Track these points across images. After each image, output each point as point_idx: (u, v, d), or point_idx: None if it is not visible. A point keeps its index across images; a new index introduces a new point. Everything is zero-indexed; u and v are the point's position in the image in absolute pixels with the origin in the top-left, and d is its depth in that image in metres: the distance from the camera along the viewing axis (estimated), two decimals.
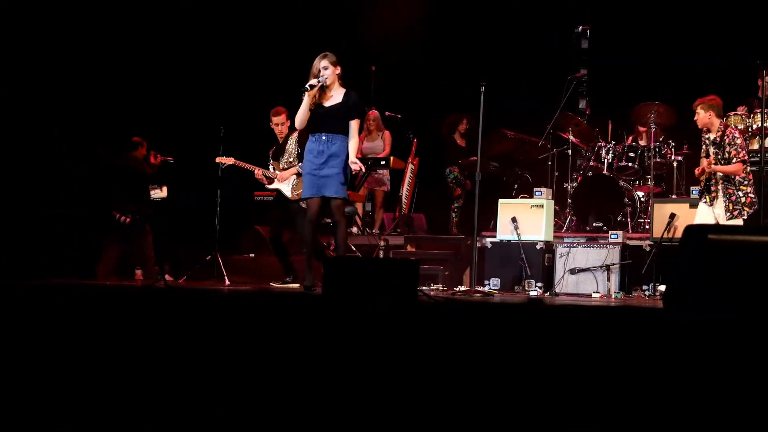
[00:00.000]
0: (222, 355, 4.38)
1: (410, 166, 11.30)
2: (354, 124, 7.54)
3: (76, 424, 4.15)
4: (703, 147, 8.39)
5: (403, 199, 11.34)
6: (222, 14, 11.91)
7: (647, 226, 9.53)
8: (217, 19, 11.89)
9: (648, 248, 8.95)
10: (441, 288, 9.23)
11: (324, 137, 7.45)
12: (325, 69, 7.41)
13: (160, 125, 11.31)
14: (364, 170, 7.85)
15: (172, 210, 11.02)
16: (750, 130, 9.37)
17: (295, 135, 8.93)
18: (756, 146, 8.98)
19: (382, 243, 10.42)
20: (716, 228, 4.98)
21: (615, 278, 9.01)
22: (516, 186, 11.09)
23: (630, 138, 10.52)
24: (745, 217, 8.12)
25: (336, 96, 7.52)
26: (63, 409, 4.22)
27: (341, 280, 5.48)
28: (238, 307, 4.90)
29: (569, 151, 10.60)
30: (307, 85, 7.39)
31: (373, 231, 10.80)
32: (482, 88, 8.36)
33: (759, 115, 9.01)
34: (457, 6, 12.45)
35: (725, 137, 8.16)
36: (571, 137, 10.58)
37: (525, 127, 11.32)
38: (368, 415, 3.87)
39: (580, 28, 12.14)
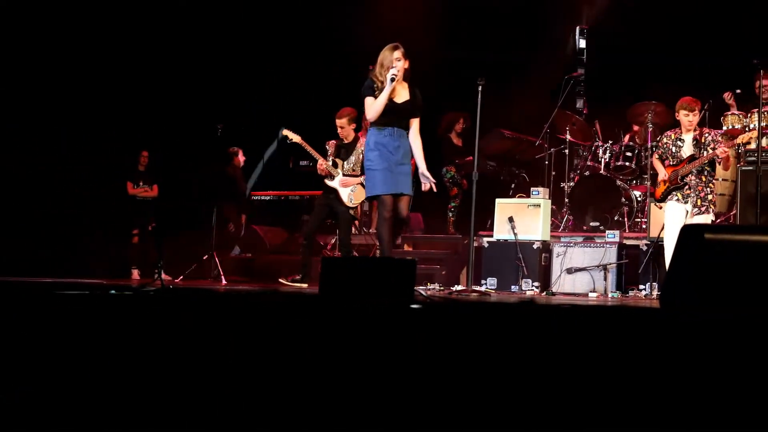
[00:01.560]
0: (219, 355, 4.37)
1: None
2: (417, 123, 7.16)
3: (71, 424, 4.14)
4: (673, 149, 8.31)
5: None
6: (221, 13, 11.90)
7: (644, 226, 9.54)
8: (217, 18, 11.88)
9: (645, 248, 8.95)
10: (438, 287, 9.24)
11: (396, 131, 7.01)
12: (398, 61, 7.00)
13: (156, 124, 11.32)
14: (435, 189, 7.35)
15: (167, 210, 11.03)
16: (747, 129, 9.38)
17: (363, 140, 8.44)
18: (753, 146, 8.98)
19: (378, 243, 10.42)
20: (713, 227, 4.99)
21: (612, 278, 9.02)
22: (513, 185, 11.09)
23: (627, 137, 10.52)
24: (712, 212, 8.20)
25: (403, 91, 7.14)
26: (58, 410, 4.21)
27: (338, 280, 5.47)
28: (235, 306, 4.89)
29: (566, 151, 10.60)
30: (391, 75, 6.92)
31: (370, 230, 10.80)
32: (479, 87, 8.35)
33: (755, 115, 9.02)
34: (454, 5, 12.45)
35: (705, 136, 8.17)
36: (568, 137, 10.59)
37: (522, 127, 11.33)
38: (364, 415, 3.87)
39: (578, 27, 12.15)
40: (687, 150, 8.22)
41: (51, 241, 10.06)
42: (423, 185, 7.28)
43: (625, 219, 9.81)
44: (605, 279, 9.02)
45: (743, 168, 8.88)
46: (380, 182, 7.00)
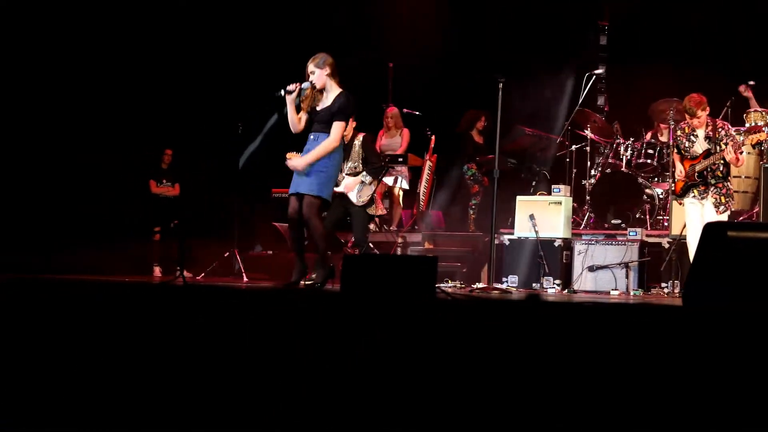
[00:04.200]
0: (240, 352, 4.39)
1: (428, 163, 11.29)
2: (336, 126, 7.25)
3: (93, 420, 4.17)
4: (687, 144, 8.27)
5: (421, 196, 11.33)
6: (243, 11, 11.93)
7: (666, 223, 9.49)
8: (236, 16, 11.91)
9: (667, 245, 8.91)
10: (459, 285, 9.23)
11: (312, 136, 7.26)
12: (312, 73, 7.21)
13: (177, 122, 11.36)
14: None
15: (189, 207, 11.08)
16: None
17: (360, 137, 8.74)
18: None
19: (399, 240, 10.42)
20: (735, 225, 4.96)
21: (634, 275, 8.98)
22: (534, 183, 11.05)
23: (649, 134, 10.47)
24: (731, 210, 8.18)
25: (328, 99, 7.30)
26: (82, 406, 4.24)
27: (359, 278, 5.49)
28: (257, 303, 4.91)
29: (587, 148, 10.56)
30: (281, 91, 7.24)
31: (391, 228, 10.80)
32: (500, 85, 8.35)
33: None
34: (475, 2, 12.43)
35: (719, 130, 8.10)
36: (589, 134, 10.55)
37: (543, 124, 11.30)
38: (385, 412, 3.88)
39: (599, 24, 12.10)
40: (700, 146, 8.16)
41: (74, 240, 10.11)
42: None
43: (647, 216, 9.76)
44: (627, 277, 8.98)
45: (766, 165, 8.83)
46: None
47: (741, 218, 9.30)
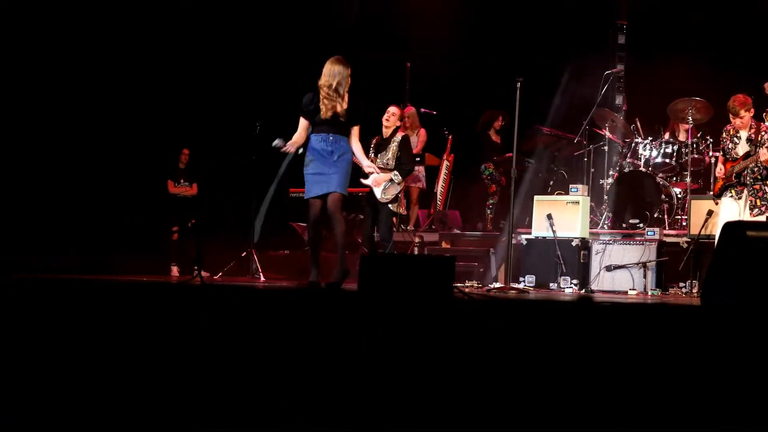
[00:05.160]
0: (258, 351, 4.40)
1: (445, 163, 11.28)
2: (358, 130, 7.54)
3: (111, 417, 4.18)
4: (730, 146, 8.28)
5: (438, 196, 11.32)
6: (258, 10, 11.95)
7: (684, 223, 9.46)
8: (254, 14, 11.93)
9: (685, 245, 8.88)
10: (476, 285, 9.22)
11: (331, 138, 7.37)
12: (339, 85, 7.33)
13: (194, 121, 11.40)
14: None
15: (206, 207, 11.11)
16: None
17: (399, 135, 8.73)
18: None
19: (417, 240, 10.42)
20: (755, 225, 4.93)
21: (651, 275, 8.95)
22: (552, 182, 11.03)
23: (667, 134, 10.43)
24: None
25: (343, 103, 7.46)
26: (95, 404, 4.26)
27: (377, 277, 5.49)
28: (275, 303, 4.93)
29: (605, 148, 10.52)
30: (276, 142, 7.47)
31: (408, 228, 10.80)
32: (518, 84, 8.34)
33: None
34: (493, 1, 12.41)
35: (762, 134, 8.10)
36: (607, 133, 10.51)
37: (561, 124, 11.27)
38: (402, 411, 3.88)
39: (617, 23, 12.04)
40: (742, 147, 8.19)
41: (93, 239, 10.17)
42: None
43: (665, 216, 9.73)
44: (645, 277, 8.95)
45: None
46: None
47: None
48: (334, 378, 4.06)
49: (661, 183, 9.82)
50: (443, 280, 5.38)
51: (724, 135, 8.41)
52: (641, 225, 9.65)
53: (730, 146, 8.30)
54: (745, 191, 8.12)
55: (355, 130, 7.46)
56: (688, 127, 9.90)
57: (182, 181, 11.19)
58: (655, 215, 9.75)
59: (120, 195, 10.98)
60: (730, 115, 8.21)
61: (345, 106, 7.35)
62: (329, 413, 3.98)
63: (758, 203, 8.06)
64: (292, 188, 10.60)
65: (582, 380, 3.61)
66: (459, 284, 8.62)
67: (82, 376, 4.32)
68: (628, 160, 10.23)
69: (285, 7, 12.14)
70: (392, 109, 8.78)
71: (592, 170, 10.67)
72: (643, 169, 9.96)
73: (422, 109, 11.50)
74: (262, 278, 9.47)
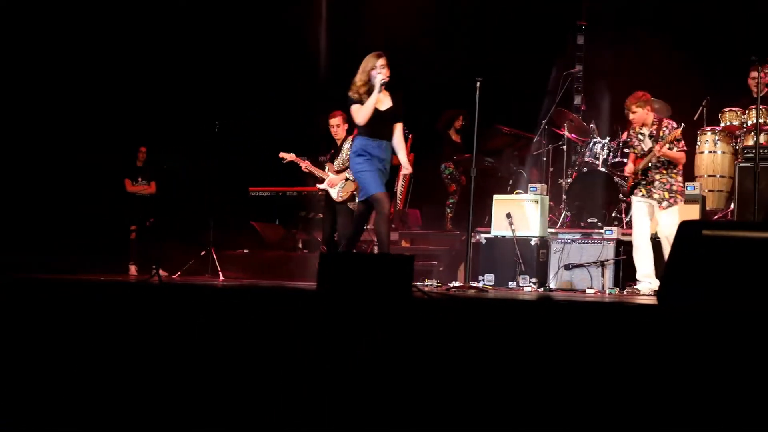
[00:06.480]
0: (216, 351, 4.37)
1: None
2: (401, 127, 7.46)
3: (64, 421, 4.14)
4: (636, 143, 8.49)
5: (398, 195, 11.33)
6: (217, 10, 11.89)
7: None
8: (210, 15, 11.86)
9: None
10: (436, 284, 9.23)
11: (385, 144, 7.30)
12: (383, 68, 7.28)
13: (153, 121, 11.32)
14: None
15: (165, 206, 11.04)
16: (744, 126, 9.39)
17: (350, 139, 8.83)
18: (751, 142, 8.99)
19: (375, 238, 10.41)
20: (710, 224, 4.98)
21: (609, 274, 9.02)
22: (511, 182, 11.08)
23: (625, 134, 10.51)
24: (680, 204, 8.31)
25: (385, 99, 7.39)
26: (50, 406, 4.21)
27: (335, 276, 5.47)
28: (233, 302, 4.89)
29: (564, 147, 10.59)
30: (381, 80, 7.22)
31: (368, 227, 10.80)
32: (478, 84, 8.37)
33: (753, 112, 9.03)
34: (453, 1, 12.43)
35: (663, 129, 8.27)
36: (566, 133, 10.58)
37: (520, 123, 11.33)
38: (360, 411, 3.87)
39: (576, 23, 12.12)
40: (646, 144, 8.37)
41: (50, 238, 10.06)
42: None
43: (623, 215, 9.80)
44: (603, 275, 9.02)
45: (741, 164, 8.90)
46: (373, 182, 7.21)
47: (716, 217, 9.36)
48: (290, 379, 4.05)
49: (618, 182, 9.90)
50: (402, 279, 5.37)
51: (631, 133, 8.60)
52: (599, 224, 9.72)
53: (635, 143, 8.51)
54: (655, 186, 8.29)
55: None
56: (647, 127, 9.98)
57: (140, 179, 11.11)
58: (613, 214, 9.82)
59: (76, 194, 10.87)
60: (626, 111, 8.49)
61: None
62: (286, 415, 3.96)
63: (666, 195, 8.28)
64: (252, 187, 10.58)
65: (540, 379, 3.63)
66: (418, 283, 8.64)
67: (35, 378, 4.27)
68: (586, 159, 10.30)
69: (242, 5, 12.07)
70: (333, 121, 9.00)
71: (551, 170, 10.73)
72: (602, 169, 10.03)
73: None
74: (222, 277, 9.43)
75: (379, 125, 7.29)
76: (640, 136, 8.43)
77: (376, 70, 7.24)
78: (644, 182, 8.37)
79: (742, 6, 10.76)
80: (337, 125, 9.07)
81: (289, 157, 9.39)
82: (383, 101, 7.35)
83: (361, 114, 7.23)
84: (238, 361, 4.23)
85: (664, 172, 8.30)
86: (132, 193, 11.08)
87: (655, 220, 8.44)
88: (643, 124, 8.40)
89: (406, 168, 7.67)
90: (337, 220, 8.95)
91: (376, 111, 7.27)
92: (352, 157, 7.39)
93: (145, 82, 11.33)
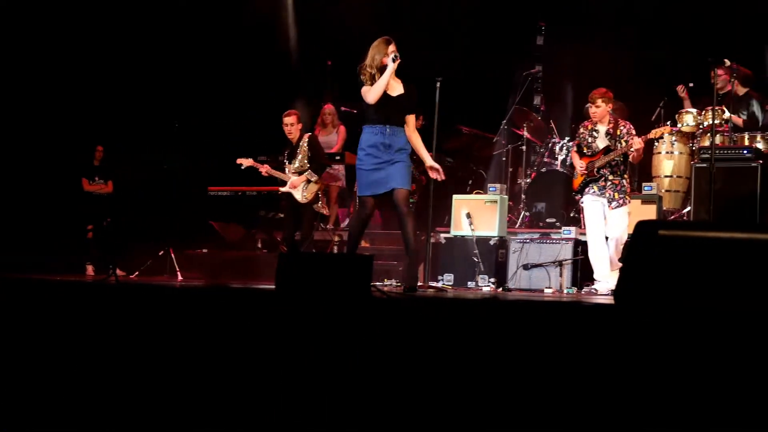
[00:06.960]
0: (173, 352, 4.34)
1: None
2: (413, 119, 7.35)
3: (22, 421, 4.09)
4: (589, 140, 8.54)
5: (358, 195, 11.31)
6: (175, 8, 11.81)
7: None
8: (170, 13, 11.78)
9: None
10: (395, 283, 9.24)
11: (389, 129, 7.16)
12: (393, 53, 7.17)
13: (108, 118, 11.22)
14: (442, 177, 7.63)
15: (122, 205, 10.96)
16: (701, 127, 9.49)
17: (307, 137, 9.02)
18: (707, 143, 9.09)
19: (336, 238, 10.40)
20: (666, 224, 5.02)
21: (567, 274, 9.07)
22: (470, 182, 11.11)
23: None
24: (627, 204, 8.38)
25: (397, 86, 7.24)
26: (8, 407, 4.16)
27: (294, 276, 5.46)
28: (191, 302, 4.86)
29: (523, 147, 10.64)
30: (393, 56, 7.11)
31: (328, 226, 10.78)
32: (438, 84, 8.39)
33: (710, 113, 9.12)
34: (414, 1, 12.44)
35: (620, 128, 8.35)
36: (525, 133, 10.62)
37: (480, 123, 11.36)
38: (319, 411, 3.86)
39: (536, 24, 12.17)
40: (601, 141, 8.43)
41: (5, 237, 9.94)
42: (431, 175, 7.58)
43: (581, 215, 9.86)
44: (561, 275, 9.07)
45: (697, 165, 8.98)
46: (361, 183, 7.29)
47: (672, 217, 9.45)
48: (247, 380, 4.03)
49: None
50: (361, 279, 5.37)
51: (581, 130, 8.67)
52: (557, 224, 9.78)
53: (589, 140, 8.55)
54: (607, 186, 8.36)
55: None
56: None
57: (97, 178, 11.01)
58: (571, 215, 9.89)
59: (32, 192, 10.75)
60: (588, 105, 8.54)
61: None
62: (245, 415, 3.94)
63: (616, 196, 8.37)
64: (211, 187, 10.53)
65: (498, 378, 3.64)
66: (378, 283, 8.64)
67: None
68: (545, 159, 10.36)
69: (200, 4, 12.00)
70: (287, 120, 9.03)
71: (510, 170, 10.78)
72: (560, 169, 10.09)
73: (342, 107, 11.49)
74: (180, 277, 9.37)
75: (390, 110, 7.15)
76: (595, 134, 8.48)
77: (389, 56, 7.13)
78: (598, 180, 8.41)
79: (701, 7, 10.86)
80: (291, 124, 9.10)
81: (247, 162, 9.41)
82: (395, 87, 7.23)
83: (372, 93, 7.10)
84: (194, 362, 4.20)
85: (618, 172, 8.36)
86: (89, 192, 10.97)
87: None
88: (600, 122, 8.46)
89: (433, 168, 7.50)
90: (302, 221, 9.00)
91: (387, 96, 7.15)
92: (358, 152, 7.35)
93: (103, 79, 11.23)
